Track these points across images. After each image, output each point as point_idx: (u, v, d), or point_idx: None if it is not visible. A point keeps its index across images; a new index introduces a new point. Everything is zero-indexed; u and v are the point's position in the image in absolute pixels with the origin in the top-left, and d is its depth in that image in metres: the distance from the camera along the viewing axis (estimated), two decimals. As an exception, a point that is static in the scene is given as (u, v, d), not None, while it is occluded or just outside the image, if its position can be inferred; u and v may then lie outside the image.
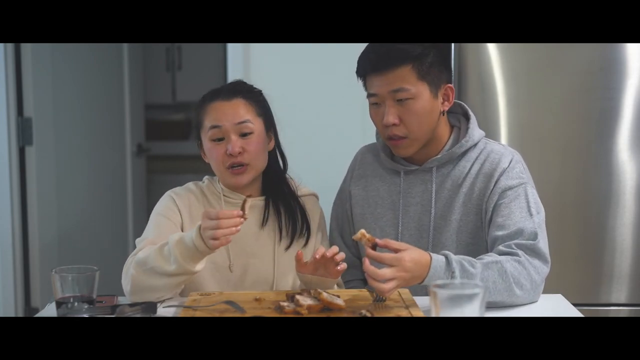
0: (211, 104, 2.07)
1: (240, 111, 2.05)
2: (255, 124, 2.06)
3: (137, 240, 2.02)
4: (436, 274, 1.79)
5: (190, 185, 2.15)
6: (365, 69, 2.03)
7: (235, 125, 2.04)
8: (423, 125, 2.01)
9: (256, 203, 2.12)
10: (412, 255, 1.78)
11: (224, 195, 2.10)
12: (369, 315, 1.70)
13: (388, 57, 1.98)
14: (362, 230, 1.80)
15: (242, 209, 1.82)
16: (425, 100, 2.00)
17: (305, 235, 2.12)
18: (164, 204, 2.08)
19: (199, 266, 1.88)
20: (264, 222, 2.11)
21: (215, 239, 1.79)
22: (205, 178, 2.17)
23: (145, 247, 1.95)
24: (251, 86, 2.14)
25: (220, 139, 2.04)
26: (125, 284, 1.92)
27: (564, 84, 2.64)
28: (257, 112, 2.09)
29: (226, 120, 2.03)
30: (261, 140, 2.07)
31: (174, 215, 2.06)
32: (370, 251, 1.77)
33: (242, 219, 1.81)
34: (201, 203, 2.10)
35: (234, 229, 1.79)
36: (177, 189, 2.12)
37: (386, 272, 1.75)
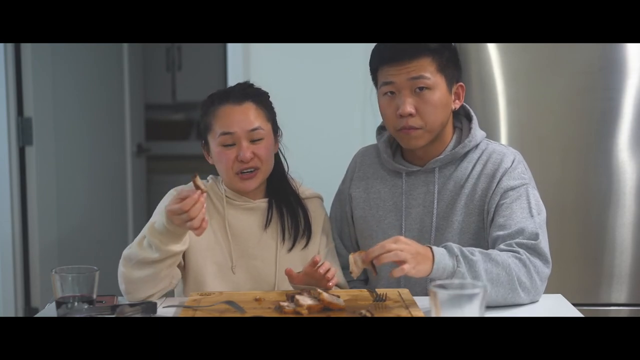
0: (221, 107, 2.06)
1: (251, 117, 2.05)
2: (266, 129, 2.06)
3: (137, 238, 2.03)
4: (442, 261, 1.79)
5: None
6: (383, 59, 2.01)
7: (247, 132, 2.03)
8: (438, 117, 2.01)
9: (259, 205, 2.12)
10: (407, 238, 1.80)
11: (226, 196, 2.10)
12: (369, 315, 1.70)
13: (409, 48, 1.97)
14: (350, 257, 1.80)
15: (197, 187, 1.83)
16: (442, 93, 2.00)
17: (307, 236, 2.12)
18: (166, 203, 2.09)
19: (182, 246, 1.90)
20: (266, 225, 2.11)
21: (195, 229, 1.82)
22: (210, 177, 2.16)
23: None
24: (259, 89, 2.13)
25: (231, 145, 2.04)
26: (120, 283, 1.94)
27: (564, 84, 2.64)
28: (267, 116, 2.08)
29: (238, 126, 2.03)
30: (270, 145, 2.08)
31: None
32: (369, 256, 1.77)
33: (203, 195, 1.83)
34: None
35: (203, 209, 1.82)
36: (181, 188, 2.12)
37: (390, 243, 1.75)
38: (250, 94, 2.09)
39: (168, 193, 2.11)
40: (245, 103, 2.06)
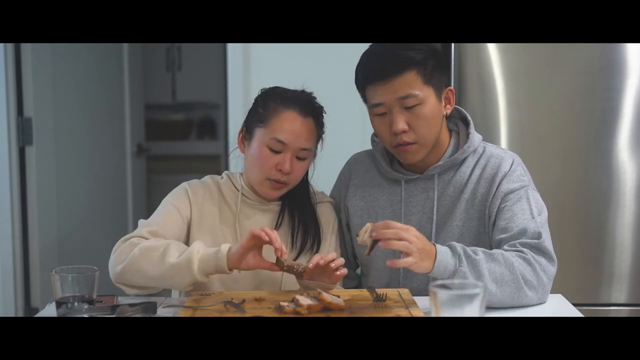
0: (287, 111, 2.04)
1: (308, 135, 2.04)
2: (312, 151, 2.07)
3: (141, 221, 2.03)
4: (444, 260, 1.79)
5: (207, 179, 2.14)
6: (368, 78, 1.99)
7: (297, 149, 2.03)
8: (432, 129, 2.00)
9: (272, 208, 2.12)
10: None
11: (242, 194, 2.10)
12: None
13: (392, 63, 1.95)
14: (367, 224, 1.82)
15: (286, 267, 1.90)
16: (432, 104, 1.99)
17: (315, 248, 2.10)
18: (177, 196, 2.08)
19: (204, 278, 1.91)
20: (277, 227, 2.10)
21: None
22: (225, 174, 2.16)
23: (149, 238, 1.98)
24: (320, 105, 2.11)
25: (278, 152, 2.03)
26: (116, 263, 1.94)
27: (564, 84, 2.64)
28: (318, 136, 2.09)
29: (294, 140, 2.01)
30: (307, 166, 2.09)
31: (185, 210, 2.06)
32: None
33: (279, 247, 1.84)
34: (216, 199, 2.10)
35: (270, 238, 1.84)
36: (194, 182, 2.12)
37: (402, 230, 1.77)
38: (314, 109, 2.08)
39: (180, 185, 2.11)
40: (308, 118, 2.05)
